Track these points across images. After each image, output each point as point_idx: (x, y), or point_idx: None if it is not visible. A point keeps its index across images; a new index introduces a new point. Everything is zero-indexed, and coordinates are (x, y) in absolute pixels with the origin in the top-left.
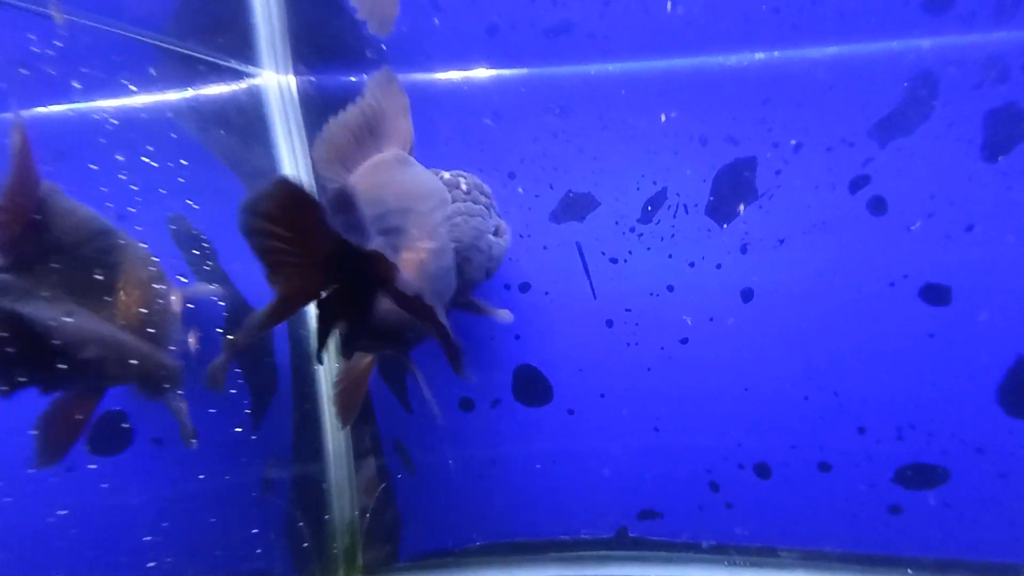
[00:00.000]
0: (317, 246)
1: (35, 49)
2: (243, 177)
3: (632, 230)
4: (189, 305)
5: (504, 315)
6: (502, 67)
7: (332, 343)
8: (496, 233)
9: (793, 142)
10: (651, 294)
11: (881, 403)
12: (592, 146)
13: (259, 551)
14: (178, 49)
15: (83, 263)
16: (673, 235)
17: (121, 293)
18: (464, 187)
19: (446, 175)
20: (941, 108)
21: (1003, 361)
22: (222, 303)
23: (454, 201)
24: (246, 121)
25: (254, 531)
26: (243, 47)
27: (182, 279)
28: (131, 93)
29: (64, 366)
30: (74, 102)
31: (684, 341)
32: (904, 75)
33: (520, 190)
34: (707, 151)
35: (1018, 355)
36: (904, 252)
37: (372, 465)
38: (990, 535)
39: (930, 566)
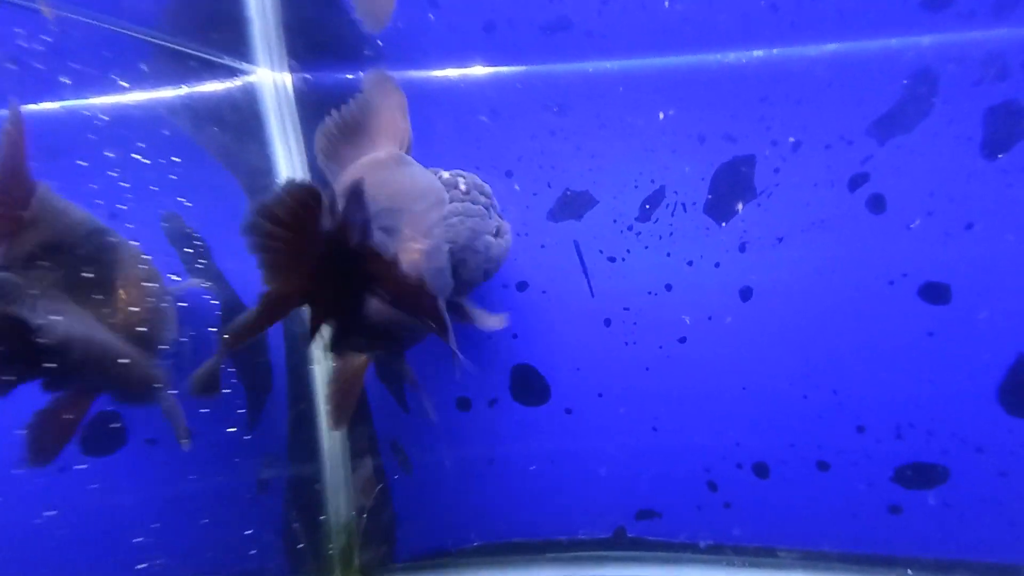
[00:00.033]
0: (314, 246)
1: (23, 44)
2: (238, 175)
3: (630, 228)
4: (182, 304)
5: (494, 322)
6: (499, 64)
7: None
8: (496, 234)
9: (792, 140)
10: (649, 293)
11: (880, 402)
12: (590, 144)
13: (254, 552)
14: (171, 45)
15: (76, 264)
16: (671, 233)
17: (113, 293)
18: (463, 187)
19: (445, 175)
20: (941, 105)
21: (1003, 360)
22: (215, 301)
23: (452, 201)
24: (241, 119)
25: (249, 532)
26: (237, 44)
27: (174, 277)
28: (123, 90)
29: (52, 365)
30: (64, 99)
31: (682, 340)
32: (903, 72)
33: (517, 187)
34: (705, 149)
35: (1018, 354)
36: (903, 250)
37: (369, 465)
38: (990, 535)
39: (930, 566)
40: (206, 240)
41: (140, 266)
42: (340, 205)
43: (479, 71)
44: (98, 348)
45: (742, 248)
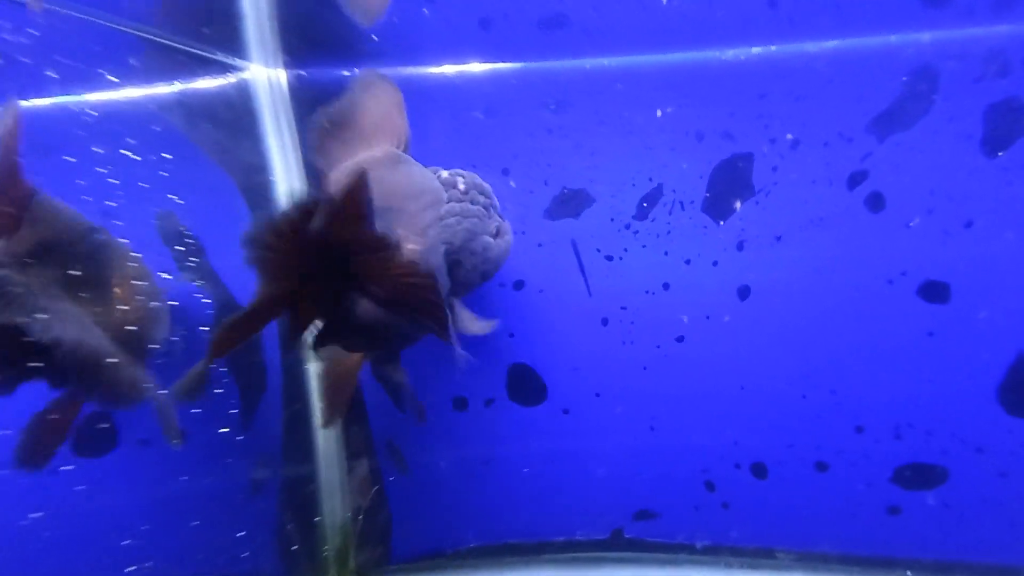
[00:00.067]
0: (308, 247)
1: (8, 37)
2: (232, 172)
3: (627, 227)
4: (174, 303)
5: (479, 327)
6: (496, 61)
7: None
8: (496, 235)
9: (790, 137)
10: (647, 292)
11: (879, 402)
12: (587, 142)
13: (247, 554)
14: (163, 41)
15: (73, 263)
16: (669, 232)
17: (106, 291)
18: (462, 187)
19: (444, 174)
20: (941, 103)
21: (1003, 359)
22: (207, 300)
23: (450, 201)
24: (234, 116)
25: (242, 533)
26: (231, 40)
27: (165, 275)
28: (113, 85)
29: (52, 365)
30: (52, 95)
31: (680, 339)
32: (903, 69)
33: (513, 184)
34: (703, 147)
35: (1018, 353)
36: (902, 249)
37: (365, 465)
38: (990, 536)
39: (929, 567)
40: (199, 238)
41: (130, 264)
42: (335, 200)
43: (475, 68)
44: (91, 348)
45: (740, 247)
